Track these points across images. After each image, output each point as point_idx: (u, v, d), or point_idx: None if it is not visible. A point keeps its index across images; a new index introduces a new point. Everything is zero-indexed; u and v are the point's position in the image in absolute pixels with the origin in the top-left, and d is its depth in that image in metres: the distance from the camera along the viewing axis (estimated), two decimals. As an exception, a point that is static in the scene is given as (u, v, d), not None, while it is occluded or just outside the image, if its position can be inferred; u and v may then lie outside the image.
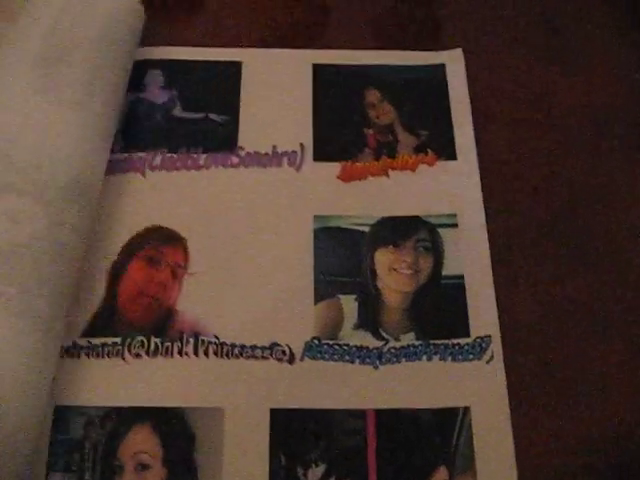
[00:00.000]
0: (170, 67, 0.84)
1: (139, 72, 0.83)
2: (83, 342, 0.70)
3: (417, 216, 0.76)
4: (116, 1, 0.77)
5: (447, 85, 0.82)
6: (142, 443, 0.68)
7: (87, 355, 0.70)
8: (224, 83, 0.83)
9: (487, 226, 0.75)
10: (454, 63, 0.84)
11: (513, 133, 0.80)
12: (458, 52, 0.85)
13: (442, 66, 0.84)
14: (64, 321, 0.66)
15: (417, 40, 0.86)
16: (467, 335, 0.72)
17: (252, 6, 0.86)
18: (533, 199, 0.77)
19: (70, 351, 0.70)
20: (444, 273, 0.74)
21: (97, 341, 0.71)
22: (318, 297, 0.72)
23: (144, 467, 0.66)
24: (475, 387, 0.70)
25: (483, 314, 0.73)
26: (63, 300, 0.66)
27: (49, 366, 0.64)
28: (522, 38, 0.84)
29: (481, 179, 0.78)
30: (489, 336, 0.71)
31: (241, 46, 0.85)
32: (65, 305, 0.66)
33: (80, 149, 0.70)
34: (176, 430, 0.68)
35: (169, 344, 0.71)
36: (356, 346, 0.71)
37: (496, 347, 0.70)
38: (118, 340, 0.71)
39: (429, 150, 0.79)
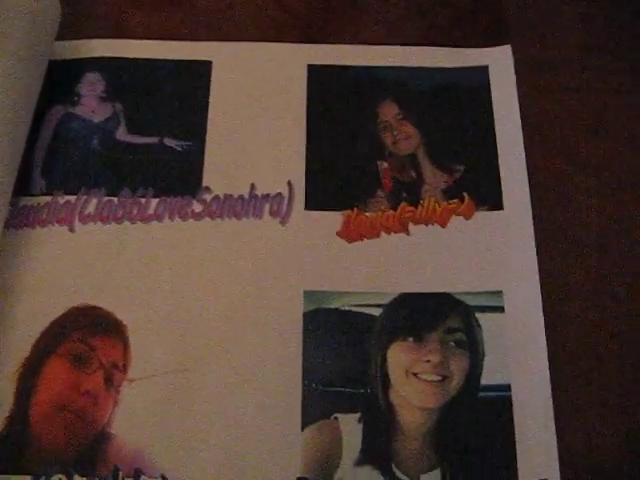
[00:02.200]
0: (114, 69, 0.63)
1: (70, 75, 0.62)
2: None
3: (447, 294, 0.55)
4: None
5: (491, 97, 0.58)
6: None
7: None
8: (187, 93, 0.62)
9: (545, 312, 0.54)
10: (500, 65, 0.63)
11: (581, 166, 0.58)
12: (506, 50, 0.62)
13: (484, 69, 0.62)
14: None
15: (450, 32, 0.63)
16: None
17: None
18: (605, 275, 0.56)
19: None
20: (484, 381, 0.53)
21: (-1, 477, 0.49)
22: (307, 417, 0.52)
23: None
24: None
25: (538, 447, 0.52)
26: None
27: None
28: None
29: (536, 239, 0.56)
30: None
31: (213, 39, 0.63)
32: None
33: None
34: None
35: (98, 485, 0.48)
36: (360, 493, 0.49)
37: None
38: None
39: (465, 194, 0.58)
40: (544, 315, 0.54)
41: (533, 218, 0.57)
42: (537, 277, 0.55)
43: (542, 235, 0.56)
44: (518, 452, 0.52)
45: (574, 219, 0.57)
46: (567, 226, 0.57)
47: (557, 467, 0.51)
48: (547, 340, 0.54)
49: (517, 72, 0.61)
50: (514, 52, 0.62)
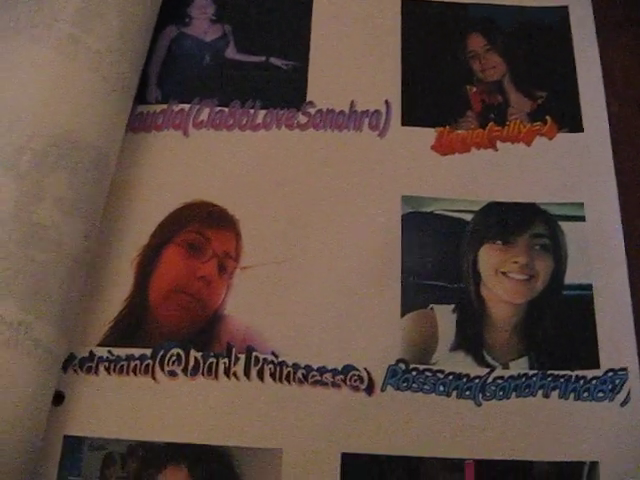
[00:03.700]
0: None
1: (182, -1, 0.61)
2: (103, 352, 0.54)
3: (533, 204, 0.59)
4: None
5: (571, 33, 0.60)
6: (175, 491, 0.48)
7: (107, 370, 0.53)
8: (291, 18, 0.65)
9: (623, 221, 0.57)
10: (580, 5, 0.66)
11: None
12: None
13: (564, 9, 0.65)
14: (60, 331, 0.50)
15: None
16: (596, 366, 0.54)
17: None
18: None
19: (85, 364, 0.53)
20: (567, 281, 0.57)
21: (121, 352, 0.54)
22: (406, 307, 0.56)
23: None
24: (605, 437, 0.52)
25: (617, 339, 0.55)
26: (50, 297, 0.49)
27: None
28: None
29: (615, 158, 0.60)
30: (625, 369, 0.54)
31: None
32: (57, 307, 0.49)
33: (70, 97, 0.52)
34: (220, 476, 0.51)
35: (213, 360, 0.54)
36: (453, 374, 0.54)
37: (634, 384, 0.54)
38: (148, 352, 0.54)
39: (548, 117, 0.61)
40: (624, 222, 0.57)
41: (612, 138, 0.60)
42: (615, 190, 0.58)
43: (621, 152, 0.59)
44: (599, 342, 0.54)
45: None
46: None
47: (635, 356, 0.54)
48: (626, 242, 0.57)
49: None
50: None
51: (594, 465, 0.51)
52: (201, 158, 0.59)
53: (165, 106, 0.61)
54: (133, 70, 0.56)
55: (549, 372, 0.54)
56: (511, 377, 0.53)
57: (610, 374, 0.53)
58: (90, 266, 0.53)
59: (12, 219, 0.48)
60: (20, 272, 0.47)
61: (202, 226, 0.57)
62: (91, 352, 0.53)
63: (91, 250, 0.52)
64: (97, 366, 0.53)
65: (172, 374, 0.52)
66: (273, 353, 0.54)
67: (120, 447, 0.51)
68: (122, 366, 0.53)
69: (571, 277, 0.56)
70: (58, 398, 0.52)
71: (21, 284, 0.47)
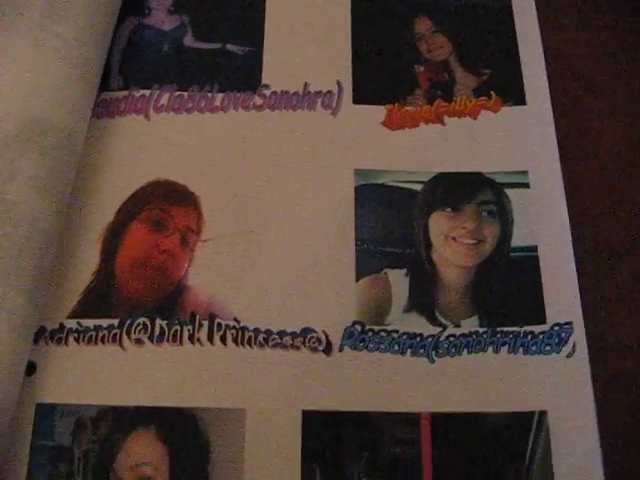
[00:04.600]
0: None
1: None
2: (72, 324, 0.56)
3: (479, 173, 0.61)
4: None
5: (513, 13, 0.62)
6: (144, 452, 0.53)
7: (76, 340, 0.55)
8: (246, 6, 0.68)
9: (565, 186, 0.60)
10: None
11: (594, 69, 0.64)
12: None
13: None
14: (31, 302, 0.52)
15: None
16: (542, 321, 0.57)
17: None
18: (619, 151, 0.61)
19: (55, 336, 0.55)
20: (513, 244, 0.59)
21: (89, 323, 0.56)
22: (360, 272, 0.58)
23: None
24: (553, 387, 0.55)
25: (562, 296, 0.57)
26: (22, 269, 0.51)
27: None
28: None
29: (556, 128, 0.62)
30: (570, 323, 0.57)
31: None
32: (30, 280, 0.51)
33: (40, 82, 0.54)
34: (186, 436, 0.53)
35: (178, 328, 0.56)
36: (407, 333, 0.56)
37: (579, 337, 0.56)
38: (115, 322, 0.56)
39: (492, 92, 0.64)
40: (565, 187, 0.60)
41: (553, 110, 0.63)
42: (558, 158, 0.61)
43: (561, 122, 0.62)
44: (545, 299, 0.57)
45: (592, 109, 0.64)
46: (587, 116, 0.64)
47: (579, 309, 0.57)
48: (568, 206, 0.60)
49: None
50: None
51: (543, 414, 0.53)
52: (162, 140, 0.61)
53: (127, 92, 0.63)
54: (99, 57, 0.58)
55: (498, 329, 0.56)
56: (462, 335, 0.56)
57: (556, 328, 0.55)
58: (59, 242, 0.54)
59: None
60: None
61: (164, 203, 0.59)
62: (61, 324, 0.55)
63: (60, 227, 0.54)
64: (67, 337, 0.55)
65: (139, 342, 0.54)
66: (235, 319, 0.56)
67: (91, 412, 0.53)
68: (91, 336, 0.55)
69: (517, 240, 0.59)
70: (30, 368, 0.53)
71: None
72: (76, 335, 0.55)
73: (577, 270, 0.58)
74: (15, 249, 0.50)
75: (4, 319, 0.49)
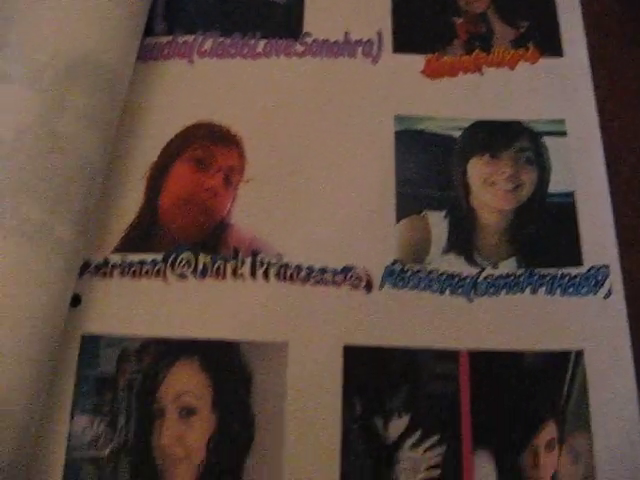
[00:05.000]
0: None
1: None
2: (116, 259, 0.56)
3: (518, 121, 0.62)
4: None
5: None
6: (187, 382, 0.53)
7: (121, 274, 0.56)
8: None
9: (601, 134, 0.60)
10: None
11: (632, 21, 0.64)
12: None
13: None
14: (79, 233, 0.52)
15: None
16: (579, 264, 0.57)
17: None
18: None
19: (100, 269, 0.55)
20: (550, 189, 0.60)
21: (134, 258, 0.56)
22: (400, 213, 0.59)
23: (189, 412, 0.53)
24: (590, 327, 0.55)
25: (599, 239, 0.58)
26: (70, 200, 0.52)
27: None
28: None
29: (593, 79, 0.63)
30: (606, 266, 0.57)
31: None
32: (77, 212, 0.52)
33: (89, 23, 0.56)
34: (229, 368, 0.54)
35: (221, 263, 0.56)
36: (446, 273, 0.57)
37: (615, 279, 0.57)
38: (159, 257, 0.56)
39: (530, 44, 0.64)
40: (602, 135, 0.61)
41: (590, 61, 0.63)
42: (594, 106, 0.62)
43: (598, 73, 0.63)
44: (582, 243, 0.58)
45: (630, 58, 0.65)
46: (623, 65, 0.64)
47: (616, 252, 0.57)
48: (605, 153, 0.60)
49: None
50: None
51: (579, 354, 0.54)
52: (205, 84, 0.62)
53: (171, 37, 0.64)
54: (144, 2, 0.59)
55: (536, 271, 0.56)
56: (500, 276, 0.56)
57: (593, 271, 0.56)
58: (104, 179, 0.55)
59: (36, 128, 0.51)
60: (43, 177, 0.50)
61: (207, 143, 0.60)
62: (105, 259, 0.56)
63: (106, 162, 0.55)
64: (111, 271, 0.55)
65: (182, 276, 0.55)
66: (277, 255, 0.56)
67: (135, 343, 0.53)
68: (135, 270, 0.55)
69: (555, 186, 0.59)
70: (75, 300, 0.54)
71: (44, 188, 0.50)
72: (120, 269, 0.56)
73: (613, 214, 0.58)
74: (63, 181, 0.51)
75: (53, 248, 0.50)
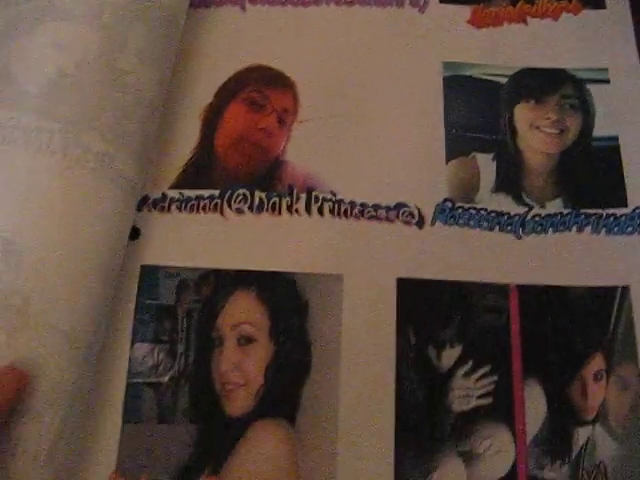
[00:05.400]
0: None
1: None
2: (174, 194, 0.57)
3: (562, 69, 0.62)
4: None
5: None
6: (245, 312, 0.54)
7: (179, 209, 0.57)
8: None
9: None
10: None
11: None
12: None
13: None
14: (138, 167, 0.54)
15: None
16: (624, 204, 0.58)
17: None
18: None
19: (158, 204, 0.55)
20: (595, 134, 0.61)
21: (191, 193, 0.57)
22: (450, 154, 0.60)
23: (248, 340, 0.53)
24: (636, 264, 0.57)
25: (644, 181, 0.57)
26: (130, 134, 0.53)
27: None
28: None
29: (635, 30, 0.64)
30: None
31: None
32: (136, 144, 0.54)
33: None
34: (286, 298, 0.55)
35: (276, 199, 0.57)
36: (495, 211, 0.58)
37: None
38: (216, 192, 0.58)
39: None
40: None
41: (632, 13, 0.65)
42: (637, 56, 0.63)
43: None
44: (627, 185, 0.60)
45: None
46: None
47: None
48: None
49: None
50: None
51: (626, 289, 0.55)
52: (257, 30, 0.63)
53: (223, -16, 0.64)
54: None
55: (582, 211, 0.57)
56: (547, 215, 0.58)
57: (637, 211, 0.57)
58: (162, 118, 0.56)
59: (98, 63, 0.52)
60: (104, 109, 0.51)
61: (261, 86, 0.61)
62: (163, 193, 0.57)
63: (163, 98, 0.56)
64: (169, 205, 0.57)
65: (239, 211, 0.56)
66: (331, 192, 0.57)
67: (193, 274, 0.55)
68: (193, 205, 0.57)
69: (599, 131, 0.61)
70: (134, 233, 0.55)
71: (105, 120, 0.51)
72: (178, 204, 0.57)
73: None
74: (123, 113, 0.53)
75: (113, 180, 0.51)
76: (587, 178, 0.59)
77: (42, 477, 0.45)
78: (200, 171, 0.58)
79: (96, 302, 0.50)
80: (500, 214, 0.57)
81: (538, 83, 0.61)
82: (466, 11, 0.64)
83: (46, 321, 0.47)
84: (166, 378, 0.52)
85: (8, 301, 0.46)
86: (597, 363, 0.53)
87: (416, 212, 0.56)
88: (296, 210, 0.56)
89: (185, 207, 0.56)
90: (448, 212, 0.56)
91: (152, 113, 0.54)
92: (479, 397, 0.52)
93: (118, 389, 0.52)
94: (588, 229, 0.57)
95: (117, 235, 0.51)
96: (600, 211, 0.58)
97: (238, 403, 0.51)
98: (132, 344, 0.53)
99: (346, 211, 0.56)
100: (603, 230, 0.57)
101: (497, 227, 0.57)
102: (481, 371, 0.53)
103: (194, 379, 0.52)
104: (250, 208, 0.56)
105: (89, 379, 0.49)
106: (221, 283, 0.54)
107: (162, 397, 0.52)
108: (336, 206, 0.56)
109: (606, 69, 0.62)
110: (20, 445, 0.45)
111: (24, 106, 0.50)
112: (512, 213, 0.57)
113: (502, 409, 0.52)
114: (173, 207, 0.56)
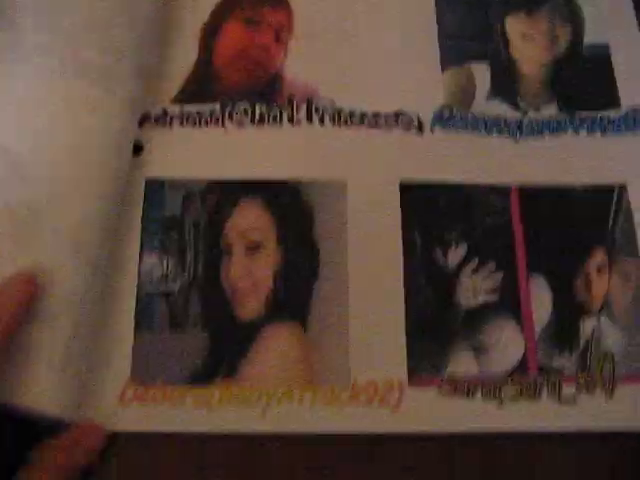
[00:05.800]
0: None
1: None
2: (175, 109, 0.57)
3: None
4: None
5: None
6: (252, 220, 0.55)
7: (181, 124, 0.57)
8: None
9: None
10: None
11: None
12: None
13: None
14: (138, 79, 0.55)
15: None
16: (617, 106, 0.59)
17: None
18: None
19: (160, 120, 0.54)
20: (586, 41, 0.62)
21: (192, 108, 0.57)
22: (445, 64, 0.61)
23: (255, 247, 0.53)
24: (632, 164, 0.58)
25: (635, 82, 0.60)
26: (129, 48, 0.54)
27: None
28: None
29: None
30: None
31: None
32: (135, 55, 0.54)
33: None
34: (291, 205, 0.56)
35: (277, 111, 0.58)
36: (492, 116, 0.58)
37: None
38: (217, 107, 0.57)
39: None
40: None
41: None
42: None
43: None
44: (619, 87, 0.61)
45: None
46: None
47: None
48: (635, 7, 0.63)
49: None
50: None
51: (623, 187, 0.56)
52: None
53: None
54: None
55: (576, 114, 0.58)
56: (543, 119, 0.58)
57: (631, 112, 0.58)
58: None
59: None
60: (102, 24, 0.53)
61: (256, 4, 0.61)
62: (164, 109, 0.57)
63: (161, 18, 0.56)
64: (171, 120, 0.57)
65: (240, 124, 0.57)
66: (331, 102, 0.58)
67: (199, 186, 0.55)
68: (194, 119, 0.57)
69: (589, 38, 0.62)
70: (137, 148, 0.55)
71: (104, 35, 0.52)
72: (179, 119, 0.57)
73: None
74: (121, 30, 0.54)
75: (114, 91, 0.52)
76: (580, 82, 0.60)
77: (57, 383, 0.45)
78: (200, 87, 0.58)
79: (102, 209, 0.50)
80: (497, 119, 0.58)
81: (528, -5, 0.61)
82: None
83: (54, 230, 0.47)
84: (176, 286, 0.52)
85: (14, 211, 0.46)
86: (599, 256, 0.54)
87: (415, 119, 0.57)
88: (298, 121, 0.57)
89: (187, 121, 0.56)
90: (446, 118, 0.57)
91: (151, 29, 0.54)
92: (486, 293, 0.53)
93: (129, 299, 0.52)
94: (584, 131, 0.58)
95: (121, 144, 0.52)
96: (594, 113, 0.58)
97: (249, 308, 0.52)
98: (141, 255, 0.52)
99: (347, 120, 0.57)
100: (598, 131, 0.57)
101: (495, 131, 0.58)
102: (487, 268, 0.53)
103: (204, 287, 0.52)
104: (252, 121, 0.57)
105: (99, 288, 0.49)
106: (227, 193, 0.54)
107: (173, 305, 0.52)
108: (336, 115, 0.57)
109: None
110: (34, 349, 0.45)
111: (23, 21, 0.50)
112: (508, 118, 0.58)
113: (509, 304, 0.53)
114: (175, 122, 0.56)
